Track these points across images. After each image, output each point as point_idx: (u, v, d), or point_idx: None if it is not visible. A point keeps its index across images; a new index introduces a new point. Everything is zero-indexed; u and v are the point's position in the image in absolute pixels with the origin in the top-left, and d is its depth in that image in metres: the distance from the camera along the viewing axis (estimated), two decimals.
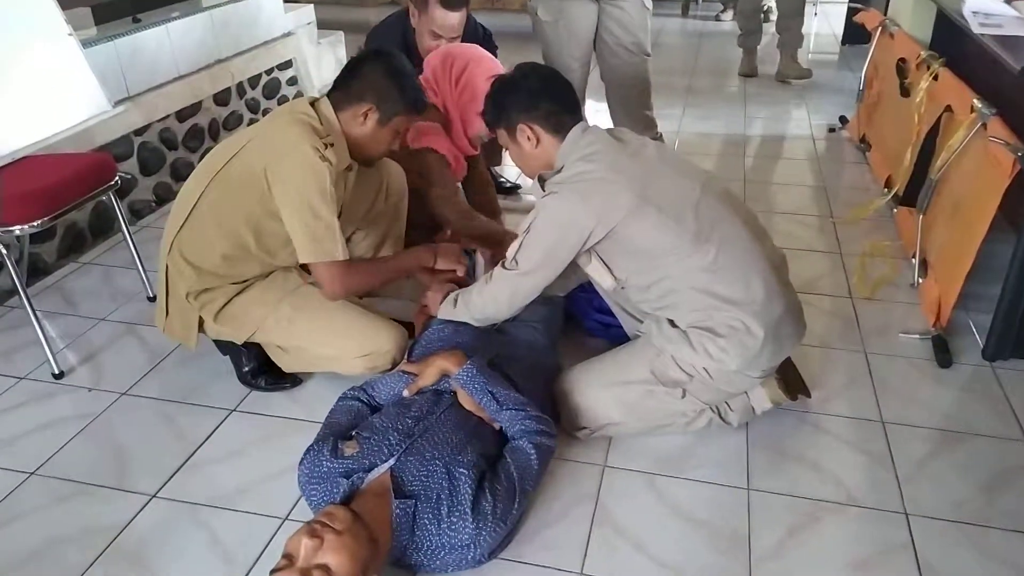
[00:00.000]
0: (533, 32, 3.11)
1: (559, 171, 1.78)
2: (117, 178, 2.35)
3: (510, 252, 1.79)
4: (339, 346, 1.95)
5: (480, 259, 2.70)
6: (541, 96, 1.80)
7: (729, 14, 6.56)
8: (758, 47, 5.00)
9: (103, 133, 2.90)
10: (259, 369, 2.08)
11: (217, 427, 1.96)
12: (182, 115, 3.40)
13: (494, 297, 1.83)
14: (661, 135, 3.23)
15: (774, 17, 5.07)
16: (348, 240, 2.21)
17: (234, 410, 2.03)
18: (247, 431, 1.95)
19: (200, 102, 3.49)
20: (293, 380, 2.10)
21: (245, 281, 1.94)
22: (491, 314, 1.87)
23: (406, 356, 1.97)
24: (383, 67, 1.88)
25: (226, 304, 1.93)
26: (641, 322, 1.89)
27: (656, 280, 1.75)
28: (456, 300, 1.93)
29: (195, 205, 1.86)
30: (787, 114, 4.33)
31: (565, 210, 1.70)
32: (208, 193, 1.85)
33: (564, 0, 2.94)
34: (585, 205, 1.68)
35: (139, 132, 3.16)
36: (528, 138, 1.81)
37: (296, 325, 1.94)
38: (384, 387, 1.79)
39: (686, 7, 6.94)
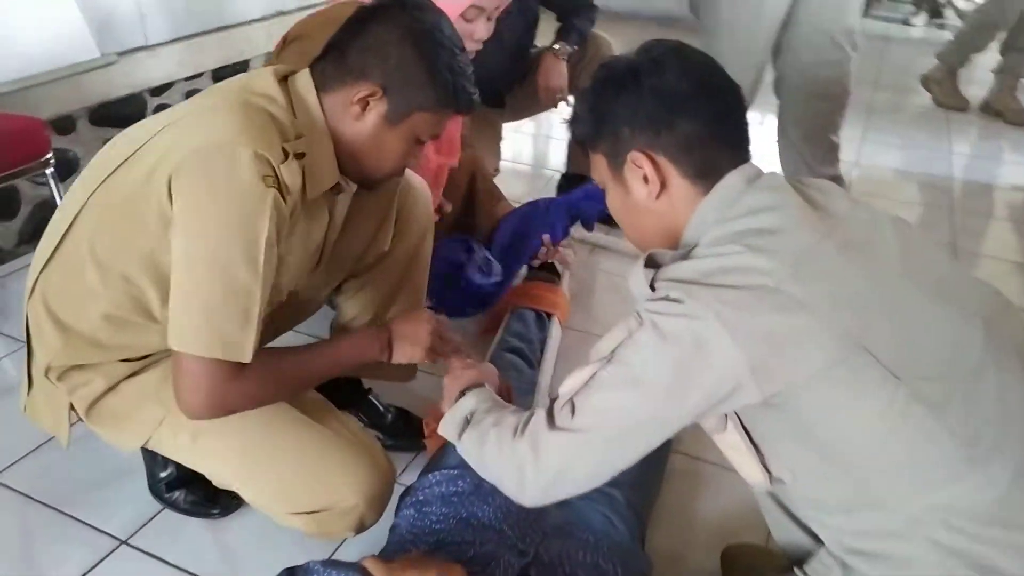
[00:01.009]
0: (690, 7, 2.19)
1: (688, 253, 0.92)
2: (51, 155, 1.65)
3: (564, 390, 0.95)
4: (266, 490, 1.16)
5: (555, 331, 1.89)
6: (684, 106, 0.94)
7: (922, 17, 5.39)
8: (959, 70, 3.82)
9: (99, 86, 2.25)
10: (180, 479, 1.35)
11: (87, 572, 1.25)
12: (220, 74, 2.72)
13: (518, 466, 0.96)
14: (841, 177, 2.23)
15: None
16: (337, 291, 1.44)
17: (124, 542, 1.31)
18: None
19: (247, 61, 2.81)
20: (225, 504, 1.36)
21: (142, 358, 1.18)
22: (510, 490, 1.00)
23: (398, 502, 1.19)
24: (406, 27, 1.07)
25: (107, 392, 1.17)
26: (812, 542, 1.00)
27: (869, 504, 0.89)
28: (469, 419, 1.07)
29: (67, 231, 1.11)
30: (1009, 153, 3.23)
31: (688, 345, 0.85)
32: (86, 214, 1.09)
33: None
34: (733, 339, 0.83)
35: (156, 92, 2.50)
36: (645, 179, 0.96)
37: (202, 444, 1.16)
38: None
39: (867, 4, 5.77)
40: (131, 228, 1.05)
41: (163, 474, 1.36)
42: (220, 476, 1.18)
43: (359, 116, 1.09)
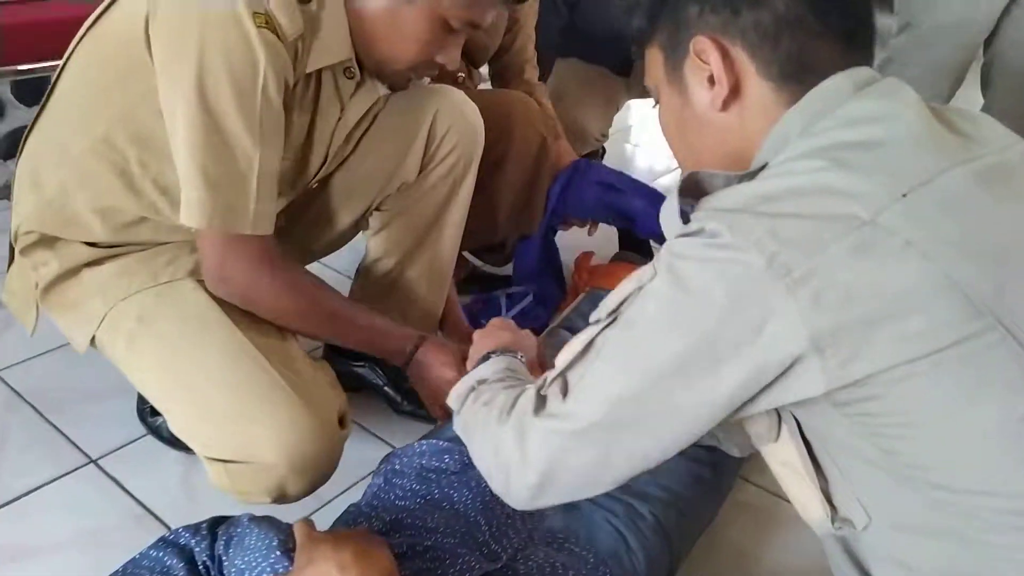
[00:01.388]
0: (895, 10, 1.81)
1: (750, 174, 0.65)
2: None
3: (558, 362, 0.71)
4: (184, 420, 0.99)
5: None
6: None
7: None
8: None
9: None
10: None
11: (39, 487, 1.14)
12: None
13: (503, 460, 0.72)
14: None
15: None
16: (365, 225, 1.25)
17: (93, 461, 1.19)
18: (77, 510, 1.10)
19: None
20: None
21: (109, 247, 1.03)
22: (496, 487, 0.75)
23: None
24: None
25: (63, 277, 1.03)
26: None
27: None
28: (475, 388, 0.84)
29: (55, 85, 0.99)
30: None
31: (719, 301, 0.58)
32: (75, 59, 0.97)
33: None
34: (790, 294, 0.56)
35: None
36: (711, 80, 0.70)
37: (135, 352, 1.00)
38: (239, 555, 0.81)
39: None
40: (109, 81, 0.92)
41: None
42: (147, 393, 1.02)
43: None
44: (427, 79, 1.17)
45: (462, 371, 1.03)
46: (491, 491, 0.86)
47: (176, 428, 0.99)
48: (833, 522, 0.67)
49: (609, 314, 0.67)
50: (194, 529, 0.82)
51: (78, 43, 0.96)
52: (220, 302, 0.98)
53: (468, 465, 0.95)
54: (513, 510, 0.87)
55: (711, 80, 0.70)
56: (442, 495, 0.92)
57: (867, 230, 0.56)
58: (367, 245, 1.27)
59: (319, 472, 0.97)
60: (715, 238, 0.59)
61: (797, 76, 0.67)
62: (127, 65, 0.89)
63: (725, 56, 0.69)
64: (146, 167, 0.95)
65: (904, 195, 0.57)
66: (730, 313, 0.58)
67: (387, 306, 1.24)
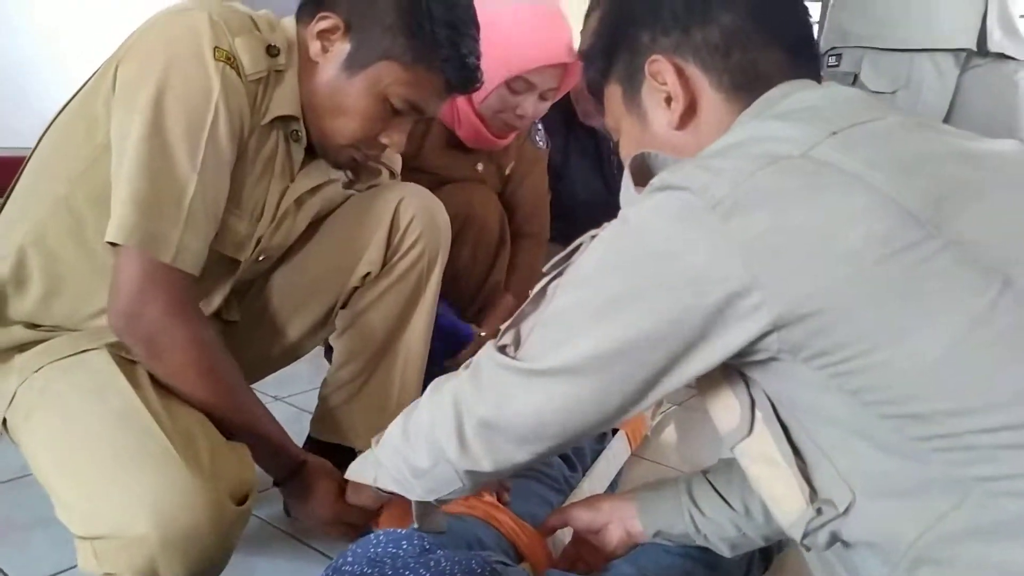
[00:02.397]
0: None
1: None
2: None
3: (515, 319, 0.72)
4: (63, 494, 0.88)
5: (618, 445, 1.46)
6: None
7: None
8: None
9: None
10: None
11: None
12: None
13: (453, 401, 0.72)
14: None
15: None
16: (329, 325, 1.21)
17: None
18: None
19: None
20: None
21: (51, 328, 0.99)
22: (446, 441, 0.72)
23: None
24: None
25: None
26: None
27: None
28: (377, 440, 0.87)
29: (25, 164, 1.01)
30: None
31: (654, 232, 0.60)
32: (45, 138, 1.00)
33: (921, 56, 1.72)
34: (715, 214, 0.56)
35: None
36: (668, 98, 0.73)
37: (31, 425, 0.92)
38: None
39: None
40: (78, 137, 0.94)
41: None
42: (37, 473, 0.92)
43: (320, 55, 0.96)
44: (386, 175, 1.20)
45: (330, 507, 0.99)
46: (452, 569, 0.77)
47: (58, 509, 0.89)
48: (813, 504, 0.61)
49: (560, 261, 0.68)
50: None
51: (48, 128, 1.00)
52: (126, 366, 0.92)
53: (428, 550, 0.85)
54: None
55: (668, 100, 0.74)
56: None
57: (797, 161, 0.57)
58: (335, 350, 1.23)
59: (201, 552, 0.83)
60: (658, 183, 0.61)
61: (747, 86, 0.71)
62: (88, 124, 0.92)
63: (680, 74, 0.73)
64: (101, 228, 0.92)
65: (834, 133, 0.59)
66: (668, 246, 0.59)
67: (354, 414, 1.17)
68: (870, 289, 0.53)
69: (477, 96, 1.40)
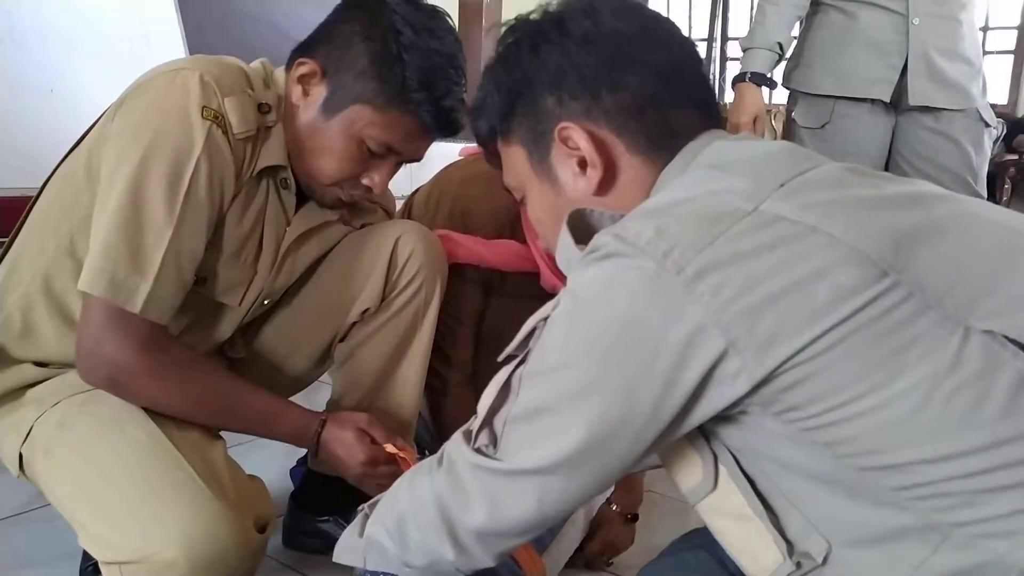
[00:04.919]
0: None
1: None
2: None
3: (481, 407, 0.68)
4: (90, 526, 0.91)
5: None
6: (630, 54, 0.71)
7: None
8: None
9: None
10: None
11: None
12: None
13: (441, 521, 0.69)
14: None
15: None
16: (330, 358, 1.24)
17: None
18: None
19: None
20: None
21: (62, 366, 1.01)
22: (442, 551, 0.69)
23: None
24: (370, 9, 0.99)
25: (2, 397, 1.01)
26: None
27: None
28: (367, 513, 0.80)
29: (32, 206, 1.05)
30: None
31: (639, 289, 0.57)
32: (51, 183, 1.04)
33: (841, 103, 1.90)
34: (684, 283, 0.55)
35: None
36: (582, 165, 0.71)
37: (52, 462, 0.95)
38: None
39: None
40: (75, 191, 0.97)
41: (89, 563, 1.14)
42: (59, 505, 0.95)
43: (300, 99, 1.00)
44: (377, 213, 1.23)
45: (367, 448, 1.04)
46: None
47: (82, 538, 0.92)
48: (792, 558, 0.61)
49: (517, 350, 0.65)
50: None
51: (56, 168, 1.04)
52: None
53: None
54: None
55: (582, 165, 0.71)
56: None
57: (752, 217, 0.56)
58: (334, 381, 1.26)
59: (222, 573, 0.87)
60: (605, 249, 0.59)
61: (664, 144, 0.70)
62: (87, 174, 0.95)
63: (594, 139, 0.70)
64: (60, 279, 0.97)
65: (782, 185, 0.59)
66: (635, 323, 0.56)
67: None
68: (843, 345, 0.53)
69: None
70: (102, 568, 0.89)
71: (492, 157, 0.82)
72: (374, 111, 0.98)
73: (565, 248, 0.66)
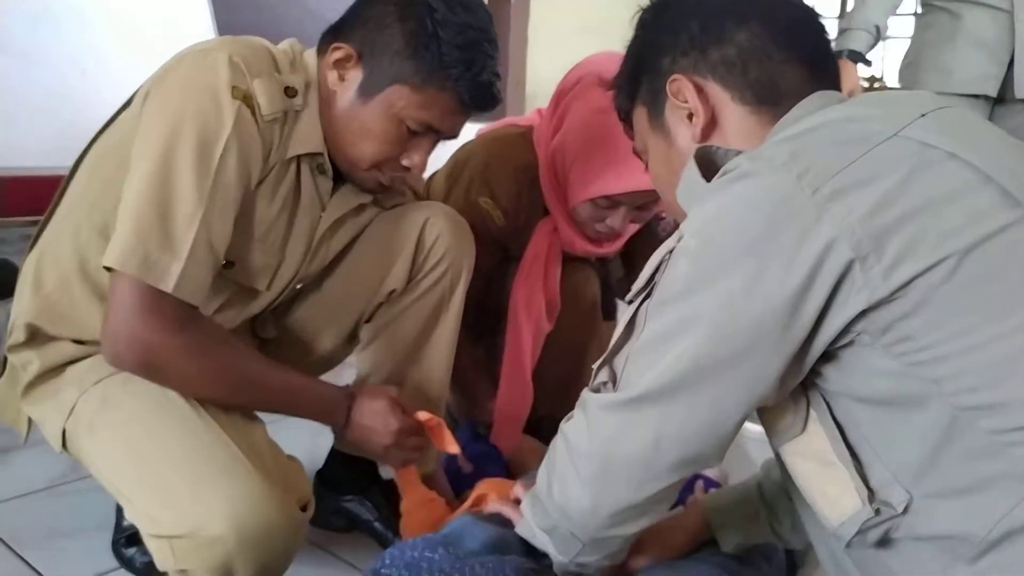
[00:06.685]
0: None
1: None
2: None
3: (606, 351, 0.71)
4: (136, 500, 0.93)
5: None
6: (737, 10, 0.75)
7: None
8: None
9: None
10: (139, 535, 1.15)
11: None
12: None
13: (570, 449, 0.73)
14: None
15: None
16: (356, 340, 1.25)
17: None
18: None
19: None
20: None
21: (87, 343, 1.02)
22: (573, 494, 0.73)
23: None
24: None
25: (42, 375, 1.02)
26: None
27: None
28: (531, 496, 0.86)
29: (68, 181, 1.05)
30: None
31: (773, 208, 0.58)
32: (85, 161, 1.04)
33: (944, 99, 1.89)
34: (815, 194, 0.57)
35: None
36: (689, 114, 0.76)
37: (96, 439, 0.96)
38: None
39: None
40: (110, 174, 0.97)
41: (126, 523, 1.17)
42: (104, 481, 0.97)
43: (337, 84, 1.00)
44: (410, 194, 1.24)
45: (400, 417, 1.06)
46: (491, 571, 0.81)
47: (130, 513, 0.94)
48: (872, 505, 0.61)
49: (643, 288, 0.67)
50: None
51: (89, 146, 1.04)
52: None
53: (462, 557, 0.89)
54: None
55: (690, 116, 0.77)
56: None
57: (892, 141, 0.58)
58: (358, 362, 1.27)
59: (272, 553, 0.89)
60: (739, 169, 0.61)
61: (772, 99, 0.73)
62: (121, 156, 0.95)
63: (700, 91, 0.76)
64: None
65: (923, 115, 0.60)
66: (767, 241, 0.58)
67: None
68: (966, 272, 0.53)
69: (568, 204, 1.36)
70: (150, 542, 0.91)
71: (631, 131, 0.88)
72: (412, 90, 0.98)
73: (690, 181, 0.69)
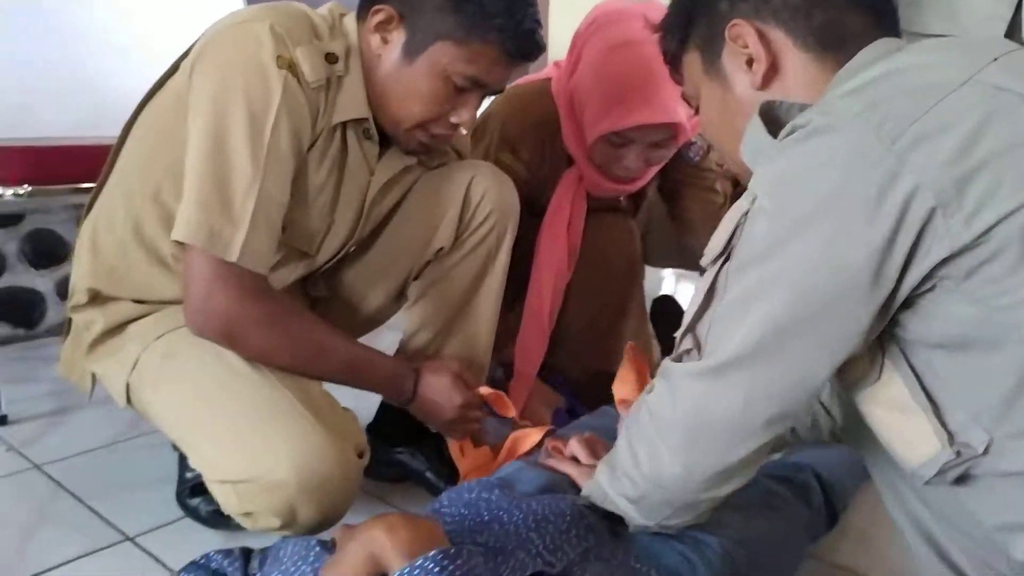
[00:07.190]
0: None
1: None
2: None
3: (688, 309, 0.70)
4: (200, 448, 0.98)
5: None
6: None
7: None
8: None
9: None
10: (204, 485, 1.19)
11: (75, 559, 1.10)
12: None
13: (663, 439, 0.72)
14: None
15: None
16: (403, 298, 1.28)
17: (130, 539, 1.16)
18: None
19: None
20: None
21: (159, 303, 1.07)
22: (663, 461, 0.73)
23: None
24: None
25: (105, 333, 1.06)
26: None
27: None
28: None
29: (120, 146, 1.08)
30: None
31: (852, 162, 0.58)
32: (136, 126, 1.06)
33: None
34: (893, 144, 0.56)
35: None
36: (750, 62, 0.75)
37: (161, 394, 1.01)
38: (275, 567, 0.77)
39: None
40: (160, 139, 1.00)
41: (189, 475, 1.21)
42: (170, 431, 1.02)
43: (380, 47, 1.01)
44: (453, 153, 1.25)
45: (464, 391, 1.10)
46: (544, 511, 0.84)
47: (192, 460, 0.99)
48: (952, 447, 0.61)
49: (720, 254, 0.66)
50: (225, 552, 0.80)
51: (138, 112, 1.06)
52: None
53: (517, 498, 0.92)
54: (568, 525, 0.84)
55: (749, 62, 0.75)
56: (492, 517, 0.88)
57: (967, 87, 0.57)
58: (407, 319, 1.30)
59: (332, 497, 0.94)
60: (811, 126, 0.60)
61: (836, 45, 0.71)
62: (175, 120, 0.97)
63: (762, 36, 0.74)
64: (166, 223, 1.00)
65: (995, 59, 0.59)
66: (845, 196, 0.57)
67: None
68: None
69: (587, 145, 1.37)
70: (214, 487, 0.96)
71: (678, 75, 0.85)
72: (456, 45, 0.98)
73: (755, 137, 0.67)
